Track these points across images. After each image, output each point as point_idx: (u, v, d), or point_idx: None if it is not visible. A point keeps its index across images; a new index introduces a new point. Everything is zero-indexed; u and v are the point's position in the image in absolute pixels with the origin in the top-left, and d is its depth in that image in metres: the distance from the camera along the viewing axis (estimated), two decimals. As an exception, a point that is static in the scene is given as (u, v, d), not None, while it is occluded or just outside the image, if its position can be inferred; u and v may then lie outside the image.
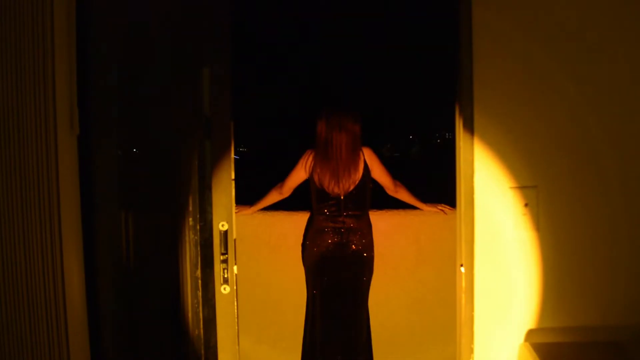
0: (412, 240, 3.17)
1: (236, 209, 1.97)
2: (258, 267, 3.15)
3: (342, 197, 2.81)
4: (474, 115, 1.67)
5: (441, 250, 3.05)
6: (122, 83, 1.81)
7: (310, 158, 2.86)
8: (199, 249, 1.78)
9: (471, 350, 1.72)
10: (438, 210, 3.05)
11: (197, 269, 1.79)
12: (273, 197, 3.01)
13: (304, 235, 2.97)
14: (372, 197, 2.90)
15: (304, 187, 2.93)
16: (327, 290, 2.85)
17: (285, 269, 3.14)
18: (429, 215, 3.10)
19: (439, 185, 3.53)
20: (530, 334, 1.71)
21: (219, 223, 1.75)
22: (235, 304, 1.78)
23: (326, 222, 2.84)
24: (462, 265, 1.75)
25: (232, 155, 1.77)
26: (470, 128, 1.68)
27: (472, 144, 1.68)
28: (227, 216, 1.76)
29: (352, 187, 2.81)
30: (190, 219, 1.78)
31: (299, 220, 3.05)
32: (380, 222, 3.05)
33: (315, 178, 2.83)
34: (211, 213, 1.76)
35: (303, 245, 2.96)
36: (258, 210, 3.07)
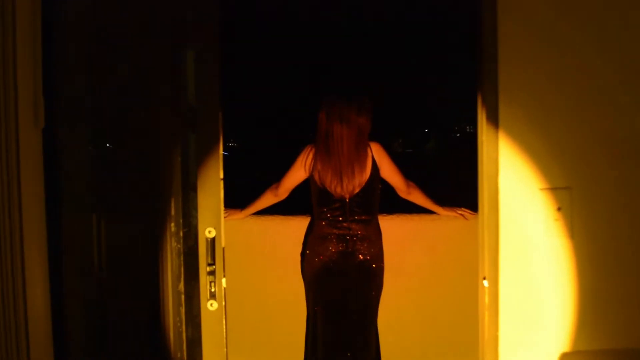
0: (428, 249, 3.17)
1: (225, 213, 1.98)
2: (250, 280, 3.15)
3: (347, 200, 2.81)
4: (498, 105, 1.66)
5: (461, 261, 3.04)
6: (95, 69, 1.81)
7: (311, 154, 2.86)
8: (182, 258, 1.78)
9: (495, 376, 1.72)
10: (457, 215, 3.06)
11: (180, 281, 1.79)
12: (267, 200, 3.01)
13: (304, 243, 2.97)
14: (381, 200, 2.89)
15: (304, 188, 2.93)
16: (330, 307, 2.85)
17: (281, 282, 3.14)
18: (446, 221, 3.10)
19: (458, 186, 3.54)
20: (564, 358, 1.71)
21: (205, 229, 1.76)
22: (224, 322, 1.78)
23: (329, 228, 2.83)
24: (484, 278, 1.74)
25: (221, 151, 1.77)
26: (494, 120, 1.67)
27: (496, 139, 1.68)
28: (214, 221, 1.76)
29: (358, 189, 2.80)
30: (173, 224, 1.79)
31: (297, 226, 3.05)
32: (391, 228, 3.05)
33: (316, 177, 2.83)
34: (196, 218, 1.76)
35: (302, 254, 2.96)
36: (250, 215, 3.08)
